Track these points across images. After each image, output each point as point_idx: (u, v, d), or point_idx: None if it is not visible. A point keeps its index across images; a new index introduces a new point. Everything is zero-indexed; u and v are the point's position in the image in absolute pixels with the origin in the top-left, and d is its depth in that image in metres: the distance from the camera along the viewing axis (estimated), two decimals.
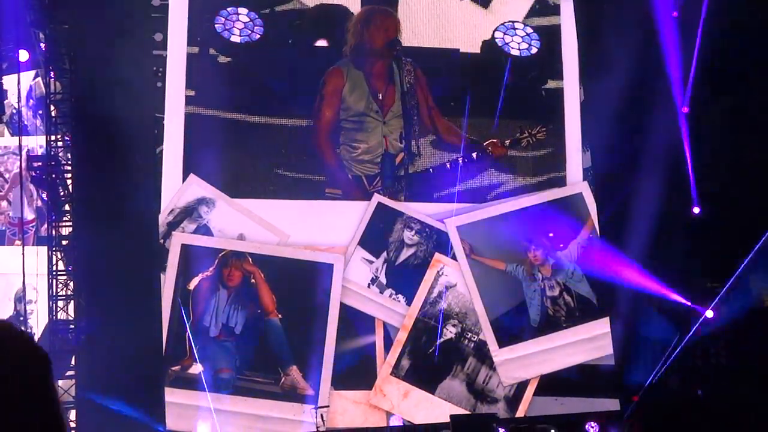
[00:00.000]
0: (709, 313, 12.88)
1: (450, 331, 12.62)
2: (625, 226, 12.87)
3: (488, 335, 12.59)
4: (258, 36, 12.66)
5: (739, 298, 12.79)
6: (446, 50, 13.15)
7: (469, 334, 12.65)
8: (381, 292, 12.56)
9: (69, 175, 11.95)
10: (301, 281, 12.33)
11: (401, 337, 12.49)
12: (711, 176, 12.93)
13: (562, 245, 12.92)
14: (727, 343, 12.86)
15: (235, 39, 12.59)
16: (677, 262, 12.98)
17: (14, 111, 12.69)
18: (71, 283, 11.85)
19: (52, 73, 12.00)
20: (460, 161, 12.90)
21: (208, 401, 11.90)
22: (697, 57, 12.55)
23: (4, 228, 12.84)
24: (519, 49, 13.25)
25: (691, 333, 12.81)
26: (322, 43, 12.84)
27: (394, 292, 12.58)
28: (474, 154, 12.94)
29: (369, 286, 12.55)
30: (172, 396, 11.87)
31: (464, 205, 12.85)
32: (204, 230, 12.27)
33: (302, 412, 12.05)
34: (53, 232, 11.90)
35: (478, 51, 13.19)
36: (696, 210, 12.99)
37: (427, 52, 13.07)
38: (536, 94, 13.34)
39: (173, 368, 11.97)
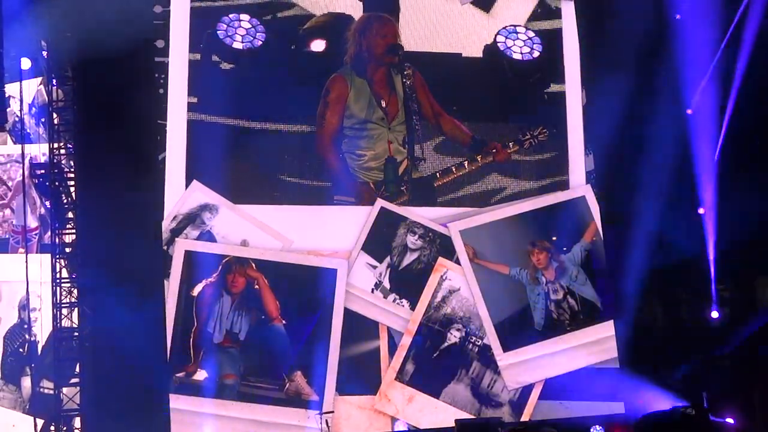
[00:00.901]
0: (714, 314, 12.87)
1: (454, 336, 12.62)
2: (628, 229, 12.88)
3: (492, 339, 12.59)
4: (260, 42, 12.67)
5: (745, 299, 12.81)
6: (448, 55, 13.16)
7: (474, 339, 12.65)
8: (385, 297, 12.56)
9: (72, 183, 11.98)
10: (305, 287, 12.33)
11: (405, 342, 12.49)
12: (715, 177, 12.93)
13: (565, 249, 12.93)
14: (732, 346, 12.85)
15: (238, 45, 12.60)
16: (682, 264, 12.99)
17: (17, 119, 12.71)
18: (75, 291, 11.86)
19: (54, 81, 12.04)
20: (466, 165, 12.90)
21: (213, 408, 11.91)
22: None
23: (7, 236, 12.85)
24: (521, 53, 13.25)
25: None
26: (318, 45, 12.83)
27: (397, 296, 12.59)
28: (479, 157, 12.95)
29: (373, 291, 12.56)
30: (177, 402, 11.86)
31: (467, 209, 12.85)
32: (207, 237, 12.27)
33: (307, 417, 12.06)
34: (57, 240, 11.92)
35: (481, 55, 13.20)
36: (701, 211, 12.95)
37: (429, 57, 13.08)
38: (538, 97, 13.34)
39: (178, 375, 11.97)
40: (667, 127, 12.88)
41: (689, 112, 12.86)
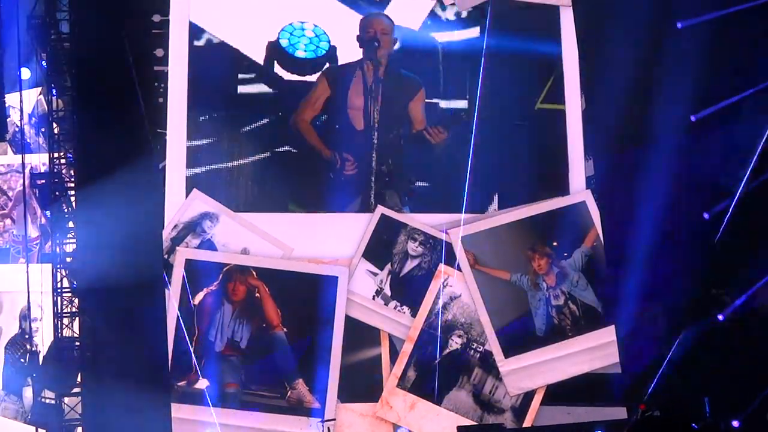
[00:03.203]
0: (720, 317, 12.84)
1: (455, 342, 12.62)
2: (629, 234, 12.86)
3: (494, 345, 12.59)
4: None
5: (746, 304, 12.78)
6: None
7: (475, 345, 12.64)
8: (386, 304, 12.56)
9: (72, 192, 11.98)
10: (306, 294, 12.34)
11: (407, 349, 12.49)
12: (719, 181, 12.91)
13: (566, 254, 12.91)
14: (734, 350, 12.83)
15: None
16: (683, 269, 12.97)
17: (17, 129, 12.73)
18: (76, 300, 11.86)
19: (54, 91, 12.05)
20: None
21: (215, 416, 11.91)
22: None
23: (8, 246, 12.88)
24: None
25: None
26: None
27: (398, 303, 12.59)
28: None
29: (374, 298, 12.56)
30: (179, 411, 11.88)
31: (468, 216, 12.85)
32: (208, 245, 12.29)
33: (309, 425, 12.08)
34: (57, 249, 11.92)
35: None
36: (706, 216, 12.88)
37: None
38: None
39: (179, 384, 11.99)
40: (669, 132, 12.84)
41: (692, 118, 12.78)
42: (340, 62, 12.82)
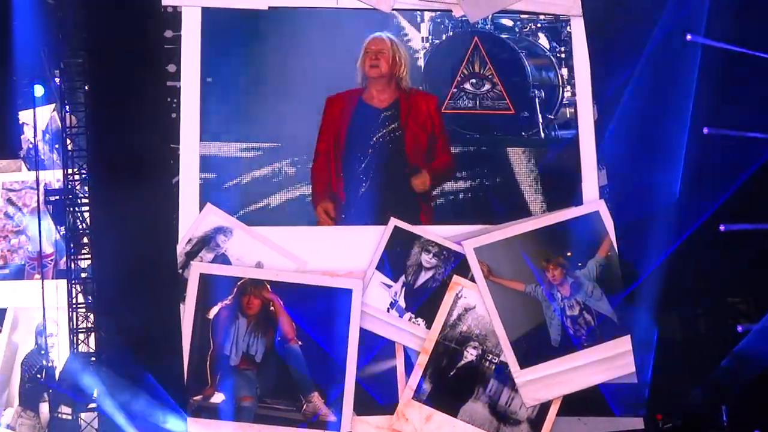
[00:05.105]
0: (739, 328, 12.79)
1: (471, 354, 12.59)
2: (643, 243, 12.83)
3: (509, 356, 12.55)
4: None
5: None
6: None
7: (490, 356, 12.61)
8: (400, 316, 12.55)
9: (86, 208, 12.03)
10: (320, 307, 12.32)
11: (422, 361, 12.47)
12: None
13: (580, 264, 12.88)
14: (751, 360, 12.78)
15: None
16: (698, 278, 12.94)
17: (31, 146, 12.81)
18: (91, 316, 11.90)
19: (67, 107, 12.12)
20: None
21: (231, 430, 11.91)
22: None
23: (23, 262, 12.94)
24: None
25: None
26: None
27: (413, 315, 12.57)
28: None
29: (388, 311, 12.54)
30: (195, 426, 11.87)
31: (481, 227, 12.84)
32: (222, 259, 12.30)
33: None
34: (72, 265, 11.97)
35: None
36: (722, 228, 12.82)
37: None
38: None
39: (195, 398, 11.98)
40: (683, 142, 12.82)
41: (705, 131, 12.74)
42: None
